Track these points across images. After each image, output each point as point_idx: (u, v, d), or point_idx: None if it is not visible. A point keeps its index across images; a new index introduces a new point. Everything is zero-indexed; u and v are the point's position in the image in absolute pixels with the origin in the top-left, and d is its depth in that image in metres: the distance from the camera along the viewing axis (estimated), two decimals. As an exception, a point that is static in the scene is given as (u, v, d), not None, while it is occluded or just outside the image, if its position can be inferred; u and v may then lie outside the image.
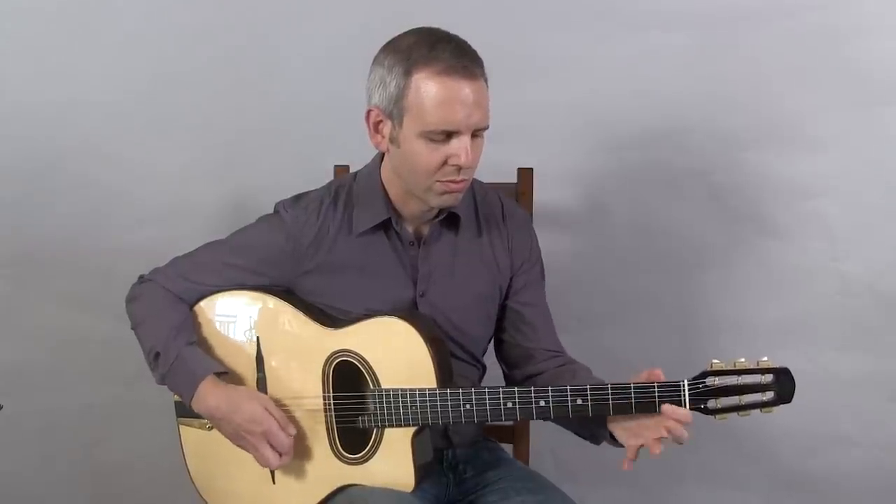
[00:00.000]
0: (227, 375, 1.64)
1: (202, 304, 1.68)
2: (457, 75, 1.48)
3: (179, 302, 1.67)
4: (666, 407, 1.44)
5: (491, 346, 1.78)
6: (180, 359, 1.60)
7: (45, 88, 2.23)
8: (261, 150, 2.24)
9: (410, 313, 1.61)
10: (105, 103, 2.22)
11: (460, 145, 1.50)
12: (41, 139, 2.25)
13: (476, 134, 1.53)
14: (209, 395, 1.59)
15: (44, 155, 2.25)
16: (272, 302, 1.65)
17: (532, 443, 1.94)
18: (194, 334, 1.65)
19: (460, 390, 1.52)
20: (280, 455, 1.57)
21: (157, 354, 1.62)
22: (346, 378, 1.59)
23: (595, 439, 1.59)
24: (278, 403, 1.62)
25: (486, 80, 1.53)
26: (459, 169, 1.52)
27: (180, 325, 1.64)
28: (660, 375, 1.46)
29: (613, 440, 1.54)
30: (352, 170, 1.77)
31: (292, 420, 1.62)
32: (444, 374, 1.55)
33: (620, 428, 1.51)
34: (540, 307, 1.75)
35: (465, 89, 1.48)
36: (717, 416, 1.44)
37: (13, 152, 2.24)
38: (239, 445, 1.61)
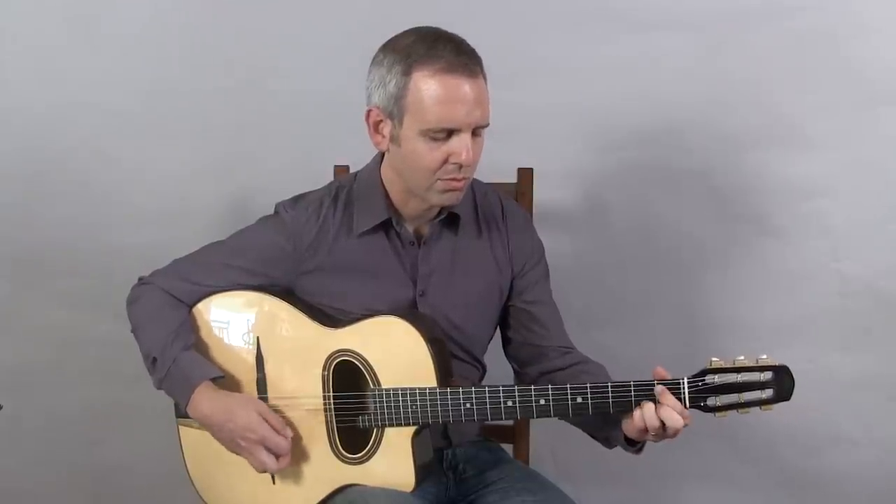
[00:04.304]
0: (224, 380, 1.63)
1: (201, 305, 1.68)
2: (457, 73, 1.48)
3: (178, 304, 1.67)
4: (661, 390, 1.44)
5: (492, 347, 1.77)
6: (176, 364, 1.60)
7: (45, 89, 2.23)
8: (261, 151, 2.24)
9: (411, 313, 1.61)
10: (105, 104, 2.22)
11: (461, 143, 1.50)
12: (42, 140, 2.25)
13: (476, 132, 1.53)
14: (204, 402, 1.58)
15: (44, 156, 2.25)
16: (272, 302, 1.65)
17: (532, 443, 1.94)
18: (192, 337, 1.65)
19: (460, 389, 1.52)
20: (277, 458, 1.57)
21: (154, 360, 1.62)
22: (346, 378, 1.59)
23: (608, 442, 1.59)
24: (277, 404, 1.62)
25: (485, 78, 1.53)
26: (460, 167, 1.52)
27: (178, 329, 1.63)
28: (662, 374, 1.46)
29: (628, 443, 1.54)
30: (352, 170, 1.78)
31: (292, 420, 1.62)
32: (444, 374, 1.55)
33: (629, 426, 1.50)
34: (548, 304, 1.74)
35: (465, 87, 1.49)
36: (717, 414, 1.44)
37: (14, 153, 2.25)
38: (235, 452, 1.60)
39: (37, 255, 2.28)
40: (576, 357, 1.70)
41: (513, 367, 1.76)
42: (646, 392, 1.45)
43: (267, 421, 1.57)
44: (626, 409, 1.46)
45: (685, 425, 1.45)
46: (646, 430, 1.45)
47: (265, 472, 1.59)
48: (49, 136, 2.24)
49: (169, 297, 1.67)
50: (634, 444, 1.54)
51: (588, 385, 1.47)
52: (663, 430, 1.45)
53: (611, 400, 1.46)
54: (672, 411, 1.43)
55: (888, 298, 2.09)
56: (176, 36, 2.20)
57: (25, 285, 2.30)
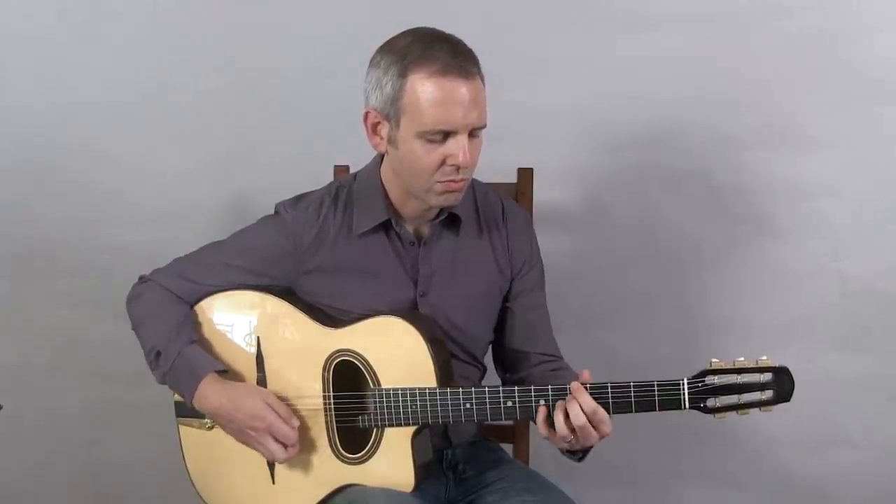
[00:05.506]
0: (227, 374, 1.64)
1: (202, 304, 1.68)
2: (452, 75, 1.48)
3: (179, 301, 1.67)
4: (575, 385, 1.45)
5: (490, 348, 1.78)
6: (182, 357, 1.60)
7: (45, 89, 2.23)
8: (261, 151, 2.24)
9: (411, 313, 1.61)
10: (105, 104, 2.23)
11: (458, 145, 1.50)
12: (42, 140, 2.25)
13: (474, 133, 1.53)
14: (210, 393, 1.59)
15: (44, 155, 2.25)
16: (272, 302, 1.65)
17: (532, 443, 1.93)
18: (195, 333, 1.65)
19: (460, 389, 1.52)
20: (286, 447, 1.57)
21: (158, 353, 1.62)
22: (347, 378, 1.59)
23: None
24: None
25: (482, 79, 1.53)
26: (458, 169, 1.52)
27: (181, 324, 1.64)
28: (586, 377, 1.47)
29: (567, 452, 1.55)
30: (352, 170, 1.78)
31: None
32: (445, 375, 1.55)
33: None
34: (538, 311, 1.74)
35: (462, 89, 1.48)
36: (717, 415, 1.44)
37: (13, 153, 2.25)
38: (243, 442, 1.60)
39: (37, 255, 2.28)
40: (554, 365, 1.70)
41: (497, 371, 1.77)
42: (645, 392, 1.45)
43: (273, 409, 1.57)
44: (626, 410, 1.46)
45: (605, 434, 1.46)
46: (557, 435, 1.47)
47: (274, 461, 1.60)
48: (49, 136, 2.24)
49: (170, 295, 1.67)
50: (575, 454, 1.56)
51: (588, 385, 1.46)
52: (573, 434, 1.45)
53: (611, 401, 1.46)
54: (577, 408, 1.43)
55: (888, 298, 2.09)
56: (176, 36, 2.20)
57: (25, 285, 2.30)
